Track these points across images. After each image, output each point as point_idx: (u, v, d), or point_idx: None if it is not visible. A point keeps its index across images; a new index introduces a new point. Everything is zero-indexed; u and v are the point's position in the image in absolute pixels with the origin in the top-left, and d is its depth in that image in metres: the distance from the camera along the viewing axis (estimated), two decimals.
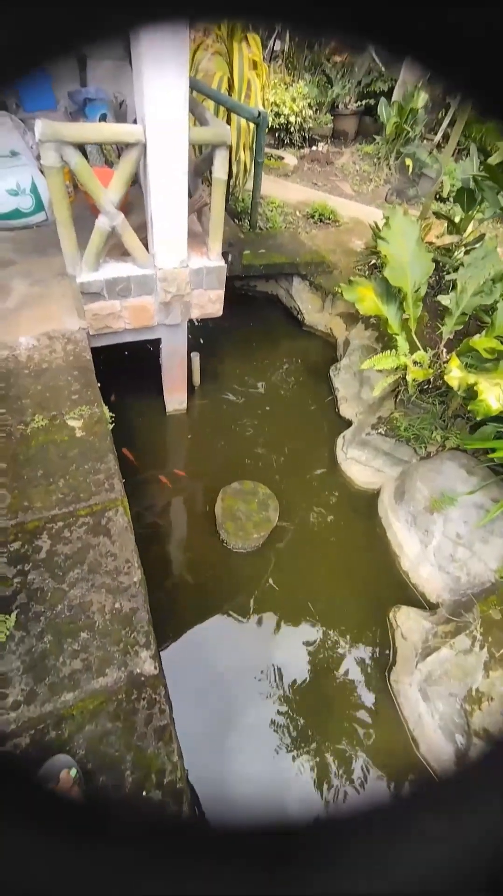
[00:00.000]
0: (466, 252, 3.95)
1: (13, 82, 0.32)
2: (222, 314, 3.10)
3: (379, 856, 0.29)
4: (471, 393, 2.27)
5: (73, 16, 0.28)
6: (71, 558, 1.91)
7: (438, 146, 5.60)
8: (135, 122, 4.11)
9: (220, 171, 2.35)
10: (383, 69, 6.34)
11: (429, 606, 2.79)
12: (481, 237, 3.96)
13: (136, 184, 2.84)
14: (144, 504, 3.10)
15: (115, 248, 2.61)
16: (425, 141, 6.12)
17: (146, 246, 2.58)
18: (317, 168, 6.35)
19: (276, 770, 2.34)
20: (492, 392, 2.25)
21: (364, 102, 6.70)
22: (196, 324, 3.27)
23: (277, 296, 4.92)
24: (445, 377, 2.34)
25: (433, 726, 2.23)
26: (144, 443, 3.42)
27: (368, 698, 2.56)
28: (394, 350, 2.89)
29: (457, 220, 3.96)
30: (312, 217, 5.17)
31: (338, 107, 6.80)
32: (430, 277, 3.05)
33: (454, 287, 2.95)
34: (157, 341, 3.15)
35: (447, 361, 2.82)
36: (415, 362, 2.86)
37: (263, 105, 4.18)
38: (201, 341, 3.75)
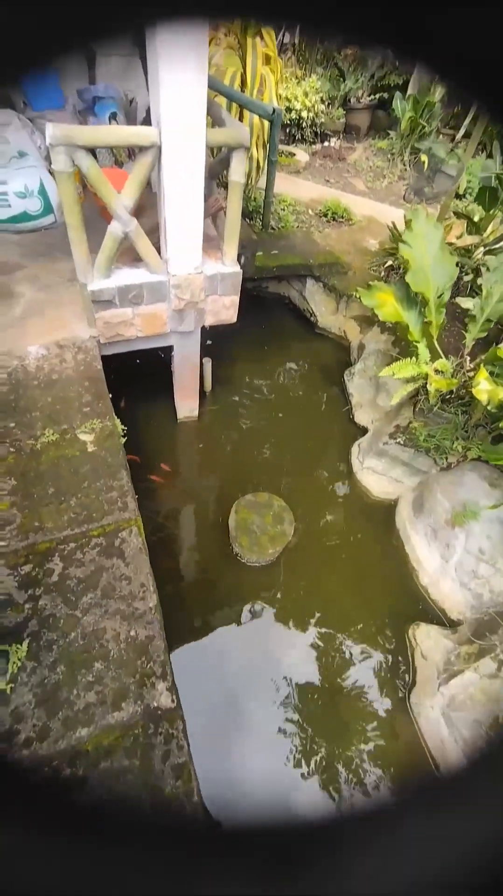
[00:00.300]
0: (486, 252, 3.83)
1: (25, 78, 0.34)
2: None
3: (379, 856, 0.29)
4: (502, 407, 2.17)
5: (86, 10, 0.28)
6: (84, 582, 1.84)
7: (457, 143, 5.43)
8: (145, 120, 4.02)
9: (237, 174, 2.25)
10: (397, 62, 6.16)
11: (450, 623, 2.70)
12: (502, 237, 3.83)
13: (147, 185, 2.75)
14: (154, 511, 3.03)
15: (126, 252, 2.52)
16: (441, 136, 5.95)
17: (158, 250, 2.49)
18: (329, 164, 6.20)
19: (287, 781, 2.29)
20: None
21: (377, 96, 6.52)
22: (207, 329, 3.18)
23: (290, 297, 4.81)
24: (473, 390, 2.24)
25: (457, 752, 2.15)
26: (156, 451, 3.35)
27: (386, 718, 2.48)
28: (414, 358, 2.79)
29: (476, 218, 3.83)
30: (325, 215, 5.04)
31: (350, 101, 6.64)
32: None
33: (479, 292, 2.83)
34: (169, 347, 3.07)
35: (471, 370, 2.71)
36: (436, 370, 2.75)
37: (277, 101, 4.05)
38: (209, 342, 3.65)
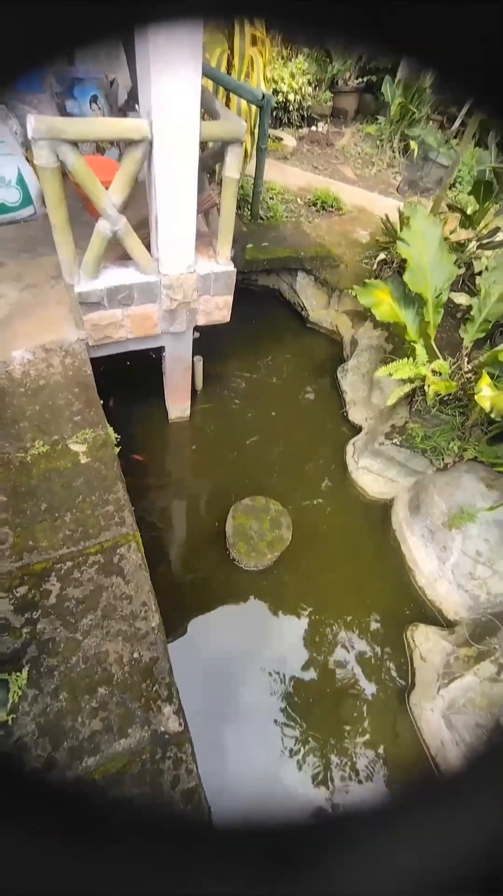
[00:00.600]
0: (479, 246, 3.79)
1: (18, 77, 0.31)
2: None
3: (379, 856, 0.29)
4: None
5: (81, 12, 0.27)
6: (83, 603, 1.78)
7: (450, 133, 5.33)
8: (126, 103, 3.82)
9: (232, 169, 2.14)
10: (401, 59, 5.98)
11: (447, 624, 2.73)
12: (495, 231, 3.80)
13: None
14: (148, 514, 2.96)
15: (111, 247, 2.39)
16: (431, 122, 5.84)
17: (147, 247, 2.37)
18: (316, 150, 6.04)
19: (288, 780, 2.31)
20: None
21: (366, 79, 6.35)
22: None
23: (280, 290, 4.71)
24: (476, 397, 2.21)
25: (457, 754, 2.19)
26: (148, 453, 3.26)
27: (386, 720, 2.51)
28: (411, 358, 2.75)
29: (469, 211, 3.78)
30: (314, 205, 4.92)
31: (337, 83, 6.44)
32: None
33: (472, 286, 2.80)
34: (160, 347, 2.96)
35: (469, 372, 2.70)
36: (433, 371, 2.72)
37: (265, 85, 3.89)
38: (197, 335, 3.54)
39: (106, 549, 1.92)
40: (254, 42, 3.77)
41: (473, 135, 3.25)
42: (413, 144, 5.50)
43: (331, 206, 4.90)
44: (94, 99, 3.24)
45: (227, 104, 3.79)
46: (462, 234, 3.56)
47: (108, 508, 2.01)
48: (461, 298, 3.49)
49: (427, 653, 2.55)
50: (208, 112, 2.19)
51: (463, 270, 3.74)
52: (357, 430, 3.66)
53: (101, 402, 2.41)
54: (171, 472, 3.35)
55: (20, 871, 0.27)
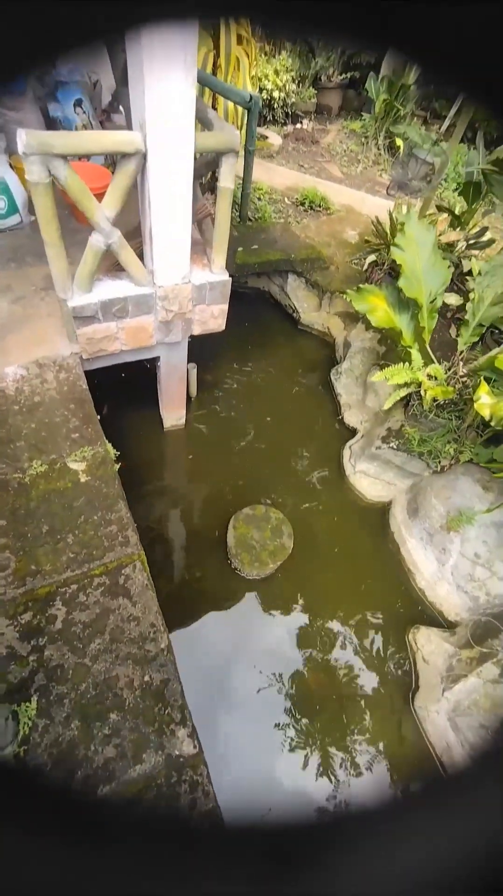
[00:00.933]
0: (468, 246, 3.82)
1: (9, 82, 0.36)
2: None
3: (380, 856, 0.29)
4: None
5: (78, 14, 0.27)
6: (90, 627, 1.75)
7: (438, 132, 5.34)
8: (110, 104, 3.73)
9: (226, 179, 2.10)
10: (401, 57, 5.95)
11: (448, 625, 2.77)
12: (484, 230, 3.82)
13: None
14: (147, 524, 2.94)
15: (104, 258, 2.34)
16: (415, 118, 5.84)
17: (140, 257, 2.33)
18: (302, 148, 6.00)
19: (289, 780, 2.34)
20: None
21: (349, 75, 6.31)
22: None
23: (270, 292, 4.68)
24: (475, 405, 2.23)
25: (463, 755, 2.23)
26: (144, 462, 3.23)
27: (391, 722, 2.55)
28: (407, 363, 2.76)
29: (457, 211, 3.79)
30: (302, 204, 4.89)
31: (320, 80, 6.40)
32: None
33: (463, 287, 2.81)
34: (154, 357, 2.92)
35: (465, 376, 2.72)
36: (429, 376, 2.74)
37: (251, 85, 3.84)
38: (189, 339, 3.52)
39: (111, 570, 1.89)
40: (239, 41, 3.71)
41: (462, 134, 3.25)
42: (398, 141, 5.49)
43: (320, 206, 4.88)
44: (79, 102, 3.15)
45: (214, 106, 3.74)
46: (452, 236, 3.57)
47: (112, 528, 1.99)
48: (451, 299, 3.51)
49: (429, 655, 2.59)
50: (201, 121, 2.15)
51: (452, 269, 3.77)
52: (352, 432, 3.68)
53: (99, 417, 2.37)
54: (169, 481, 3.33)
55: (20, 871, 0.27)
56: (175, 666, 1.73)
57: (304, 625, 2.81)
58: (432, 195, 3.66)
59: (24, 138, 1.61)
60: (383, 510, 3.27)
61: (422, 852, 0.29)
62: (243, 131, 3.74)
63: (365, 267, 3.99)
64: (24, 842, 0.28)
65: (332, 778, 2.38)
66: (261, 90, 5.64)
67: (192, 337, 3.16)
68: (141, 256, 2.33)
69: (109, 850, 0.30)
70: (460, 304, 3.52)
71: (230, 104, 3.63)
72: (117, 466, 2.21)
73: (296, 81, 6.06)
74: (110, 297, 2.27)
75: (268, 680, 2.59)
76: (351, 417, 3.71)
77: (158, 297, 2.37)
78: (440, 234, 3.61)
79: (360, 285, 2.84)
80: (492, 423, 2.20)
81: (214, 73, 3.68)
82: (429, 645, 2.62)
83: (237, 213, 4.22)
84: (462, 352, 2.78)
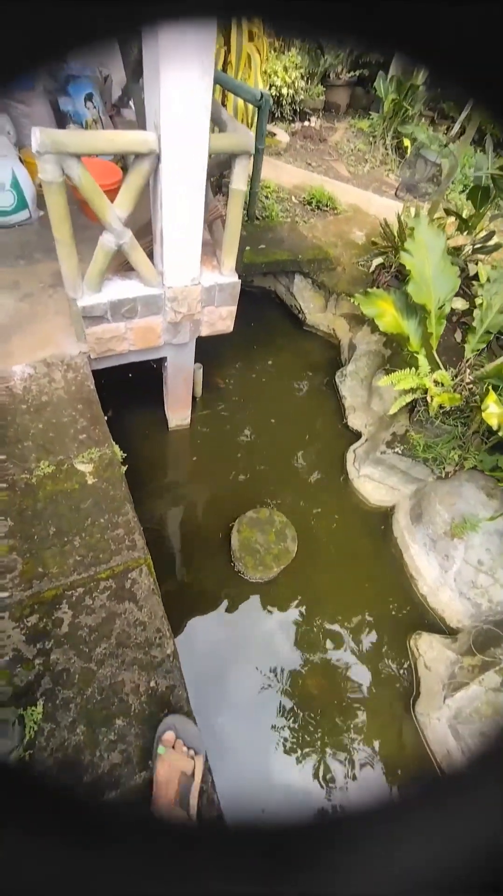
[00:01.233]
0: (475, 250, 3.80)
1: (18, 77, 0.31)
2: None
3: (380, 856, 0.30)
4: None
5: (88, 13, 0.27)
6: (96, 631, 1.75)
7: (440, 131, 5.31)
8: (120, 98, 3.69)
9: (238, 181, 2.08)
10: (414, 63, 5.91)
11: (450, 632, 2.78)
12: (491, 235, 3.81)
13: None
14: (151, 525, 2.93)
15: (114, 258, 2.32)
16: (423, 119, 5.80)
17: (149, 255, 2.31)
18: (310, 146, 5.96)
19: (289, 780, 2.36)
20: None
21: (358, 73, 6.26)
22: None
23: (276, 292, 4.66)
24: (483, 414, 2.23)
25: (463, 762, 2.24)
26: (148, 462, 3.22)
27: (392, 728, 2.56)
28: (414, 369, 2.76)
29: (464, 214, 3.78)
30: (309, 203, 4.86)
31: (329, 77, 6.34)
32: None
33: (469, 291, 2.80)
34: (160, 357, 2.91)
35: (471, 383, 2.71)
36: (436, 382, 2.73)
37: (262, 82, 3.80)
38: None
39: (117, 574, 1.89)
40: (250, 38, 3.67)
41: (472, 137, 3.23)
42: (406, 142, 5.47)
43: (327, 206, 4.86)
44: (90, 97, 3.12)
45: (223, 103, 3.70)
46: (459, 240, 3.56)
47: (119, 532, 1.98)
48: (457, 303, 3.51)
49: (431, 661, 2.60)
50: (214, 121, 2.13)
51: (459, 273, 3.76)
52: (356, 435, 3.67)
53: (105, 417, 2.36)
54: (173, 481, 3.32)
55: (20, 870, 0.27)
56: (181, 672, 1.73)
57: (306, 629, 2.81)
58: (440, 198, 3.64)
59: (39, 137, 1.59)
60: (386, 515, 3.28)
61: (422, 852, 0.29)
62: (253, 129, 3.71)
63: (372, 269, 3.98)
64: (23, 841, 0.28)
65: (332, 782, 2.39)
66: (270, 87, 5.59)
67: (199, 338, 3.15)
68: (150, 256, 2.31)
69: (109, 850, 0.30)
70: (466, 308, 3.51)
71: (240, 101, 3.59)
72: (124, 468, 2.20)
73: (306, 78, 6.01)
74: (120, 297, 2.25)
75: (270, 683, 2.60)
76: (355, 420, 3.70)
77: (167, 298, 2.35)
78: (449, 238, 3.60)
79: (369, 289, 2.82)
80: (500, 433, 2.19)
81: (225, 69, 3.64)
82: (430, 651, 2.63)
83: (245, 212, 4.20)
84: (469, 359, 2.77)
